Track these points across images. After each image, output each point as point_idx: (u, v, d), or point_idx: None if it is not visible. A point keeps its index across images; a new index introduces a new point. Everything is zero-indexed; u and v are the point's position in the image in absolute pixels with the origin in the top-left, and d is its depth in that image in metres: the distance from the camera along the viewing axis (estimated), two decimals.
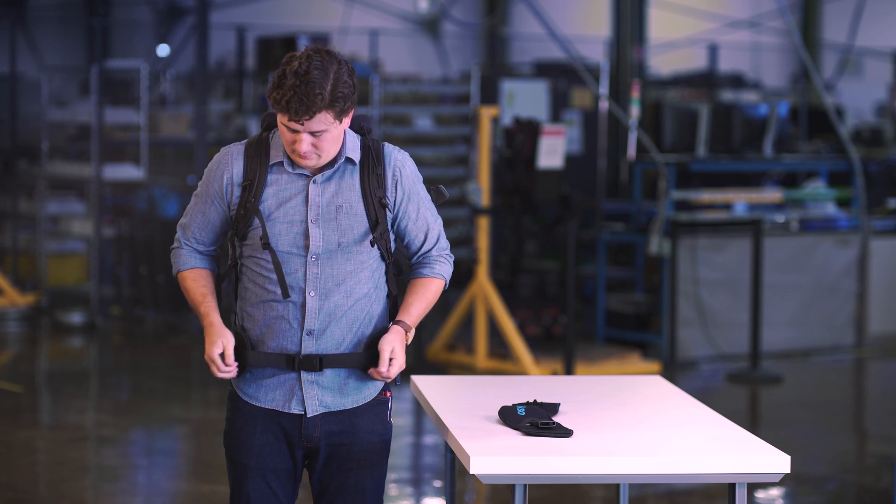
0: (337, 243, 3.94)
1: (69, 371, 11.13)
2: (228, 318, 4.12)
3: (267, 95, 3.86)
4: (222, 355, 3.97)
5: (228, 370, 3.98)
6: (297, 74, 3.77)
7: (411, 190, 4.03)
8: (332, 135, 3.87)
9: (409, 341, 4.02)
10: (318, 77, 3.77)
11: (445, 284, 4.12)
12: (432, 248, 4.09)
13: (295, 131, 3.84)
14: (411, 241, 4.07)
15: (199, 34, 12.64)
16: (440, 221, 4.12)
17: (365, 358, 3.98)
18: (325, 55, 3.81)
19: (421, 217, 4.05)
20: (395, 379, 4.07)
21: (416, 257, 4.10)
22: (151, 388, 10.27)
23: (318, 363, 3.95)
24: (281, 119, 3.84)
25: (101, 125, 13.04)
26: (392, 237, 4.03)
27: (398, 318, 4.01)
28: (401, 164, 4.01)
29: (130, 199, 13.75)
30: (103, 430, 8.88)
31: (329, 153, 3.90)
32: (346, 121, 3.90)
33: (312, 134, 3.83)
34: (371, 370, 3.97)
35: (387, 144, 4.04)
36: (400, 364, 3.95)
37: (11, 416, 9.22)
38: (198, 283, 4.06)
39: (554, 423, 4.08)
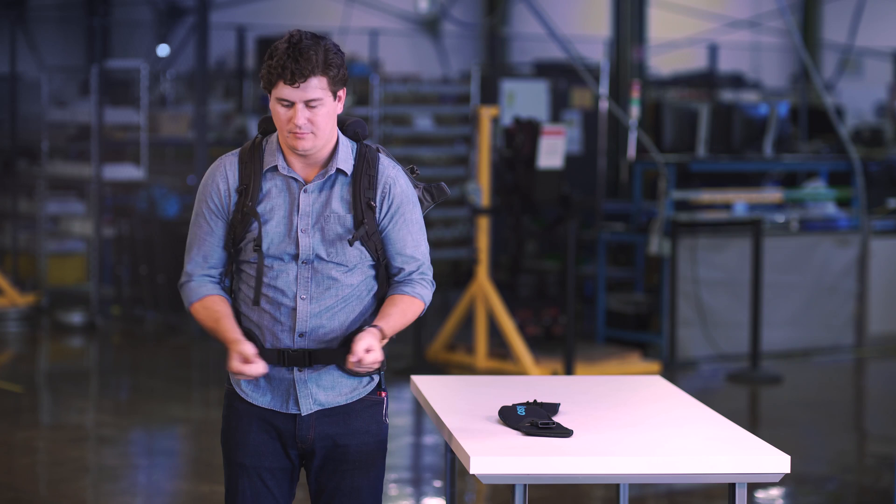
0: (326, 252, 3.94)
1: (69, 371, 11.14)
2: None
3: (260, 75, 3.88)
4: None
5: (257, 366, 3.90)
6: (290, 43, 3.83)
7: (397, 210, 3.99)
8: (328, 109, 3.87)
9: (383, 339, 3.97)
10: (309, 44, 3.83)
11: (423, 309, 4.07)
12: (413, 272, 4.04)
13: (290, 104, 3.84)
14: (397, 252, 4.02)
15: (199, 34, 12.64)
16: (425, 249, 4.06)
17: (345, 354, 3.96)
18: (311, 34, 3.88)
19: (400, 239, 4.01)
20: (381, 382, 4.06)
21: (396, 277, 4.05)
22: (151, 388, 10.28)
23: (307, 358, 3.95)
24: (276, 92, 3.84)
25: (101, 125, 13.03)
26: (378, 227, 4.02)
27: (375, 322, 3.96)
28: (392, 179, 3.99)
29: (130, 199, 13.76)
30: (103, 430, 8.88)
31: (324, 133, 3.89)
32: (340, 104, 3.91)
33: (307, 106, 3.83)
34: (348, 363, 3.90)
35: (383, 157, 4.01)
36: (376, 357, 3.87)
37: (11, 416, 9.22)
38: (209, 310, 4.00)
39: (554, 423, 4.08)
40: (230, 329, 3.94)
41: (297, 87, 3.81)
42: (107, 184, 13.40)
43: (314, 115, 3.85)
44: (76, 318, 12.69)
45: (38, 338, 12.42)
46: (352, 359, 3.86)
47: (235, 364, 3.89)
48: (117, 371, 11.20)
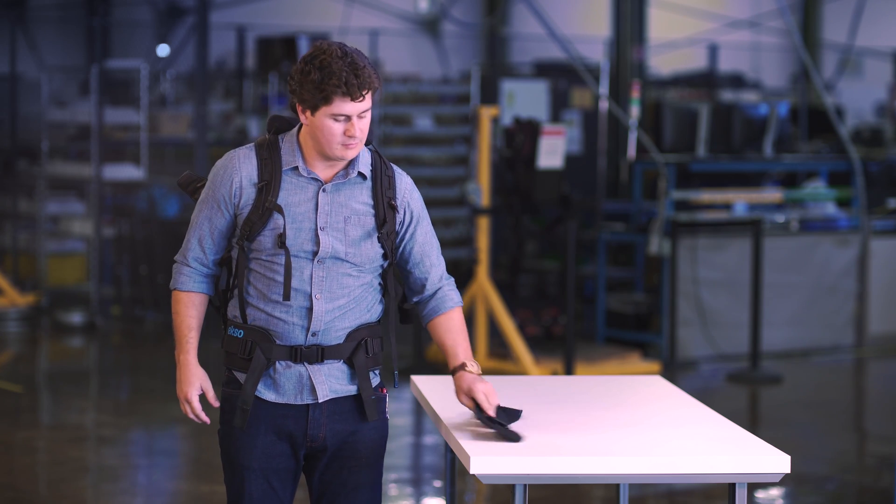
0: (344, 252, 3.97)
1: (69, 371, 11.13)
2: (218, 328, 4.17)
3: (302, 90, 3.84)
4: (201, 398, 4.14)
5: (202, 418, 4.13)
6: (343, 58, 3.84)
7: (420, 214, 4.10)
8: (369, 118, 3.93)
9: (479, 373, 4.17)
10: (356, 58, 3.86)
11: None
12: (441, 278, 4.16)
13: (346, 118, 3.86)
14: (421, 261, 4.12)
15: (199, 34, 12.64)
16: (439, 249, 4.22)
17: (353, 349, 4.02)
18: (340, 45, 3.89)
19: (429, 240, 4.13)
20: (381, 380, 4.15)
21: (428, 290, 4.15)
22: (151, 388, 10.28)
23: (319, 355, 3.98)
24: (332, 108, 3.84)
25: (101, 125, 13.04)
26: (398, 240, 4.07)
27: (461, 361, 4.14)
28: (410, 188, 4.08)
29: (130, 199, 13.76)
30: (103, 430, 8.88)
31: (364, 140, 3.95)
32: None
33: (360, 117, 3.88)
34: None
35: (395, 167, 4.10)
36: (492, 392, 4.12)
37: (11, 416, 9.22)
38: (189, 310, 4.08)
39: (506, 424, 4.06)
40: (193, 349, 4.14)
41: (361, 101, 3.84)
42: (107, 184, 13.40)
43: (363, 124, 3.90)
44: (76, 318, 12.69)
45: (38, 338, 12.42)
46: (489, 412, 4.06)
47: (192, 394, 4.18)
48: (117, 371, 11.20)
